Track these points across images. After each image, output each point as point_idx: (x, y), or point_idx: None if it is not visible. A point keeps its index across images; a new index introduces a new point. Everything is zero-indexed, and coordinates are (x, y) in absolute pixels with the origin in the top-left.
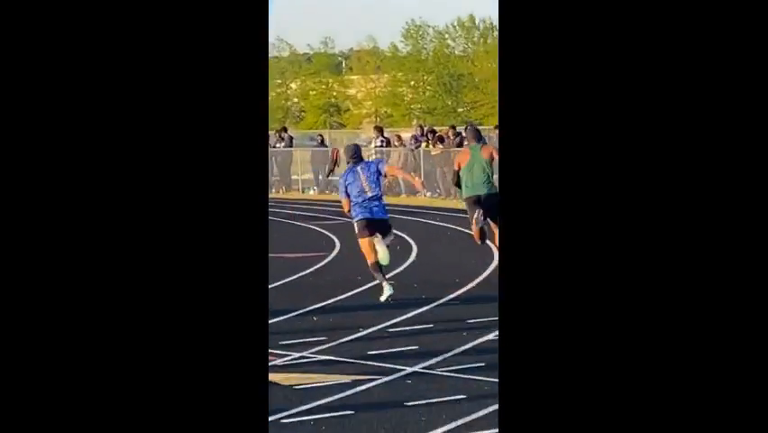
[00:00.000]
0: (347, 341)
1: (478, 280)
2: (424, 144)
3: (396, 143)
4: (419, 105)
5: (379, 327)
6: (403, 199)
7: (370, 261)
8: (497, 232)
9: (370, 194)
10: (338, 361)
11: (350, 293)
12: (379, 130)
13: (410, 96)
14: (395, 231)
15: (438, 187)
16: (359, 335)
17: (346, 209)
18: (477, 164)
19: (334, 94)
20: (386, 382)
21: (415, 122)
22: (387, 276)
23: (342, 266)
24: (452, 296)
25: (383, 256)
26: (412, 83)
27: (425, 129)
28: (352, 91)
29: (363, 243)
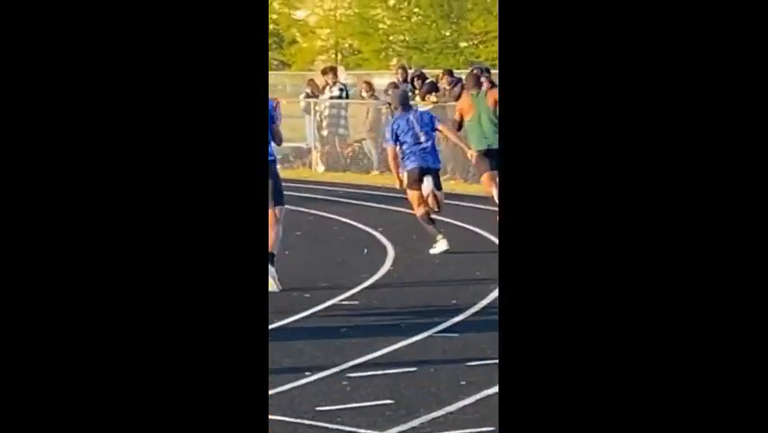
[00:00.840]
0: (288, 390)
1: (485, 302)
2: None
3: (363, 94)
4: (401, 38)
5: (336, 369)
6: (375, 178)
7: (418, 213)
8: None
9: (424, 143)
10: (275, 421)
11: (293, 318)
12: (333, 72)
13: (388, 22)
14: (360, 225)
15: None
16: (306, 381)
17: (391, 157)
18: (484, 114)
19: (275, 17)
20: None
21: (395, 61)
22: (351, 293)
23: (285, 276)
24: (445, 324)
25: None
26: (391, 2)
27: (410, 73)
28: (300, 14)
29: (413, 195)
